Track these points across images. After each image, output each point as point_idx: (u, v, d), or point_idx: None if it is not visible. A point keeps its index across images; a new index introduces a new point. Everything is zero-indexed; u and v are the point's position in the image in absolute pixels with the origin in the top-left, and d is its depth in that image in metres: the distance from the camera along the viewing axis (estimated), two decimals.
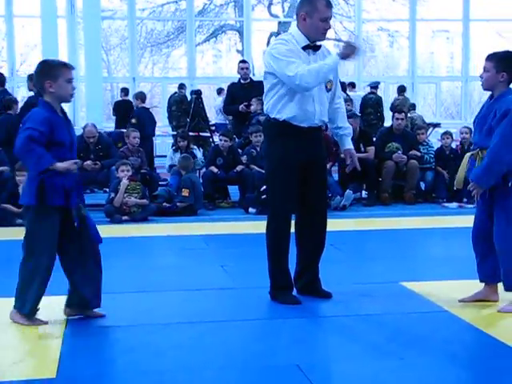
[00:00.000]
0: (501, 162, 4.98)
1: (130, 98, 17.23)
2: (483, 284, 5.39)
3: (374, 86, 17.41)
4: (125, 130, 15.56)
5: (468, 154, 5.32)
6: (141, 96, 14.59)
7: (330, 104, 5.63)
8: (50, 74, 4.75)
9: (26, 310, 4.83)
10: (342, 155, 11.56)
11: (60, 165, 4.72)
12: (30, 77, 11.81)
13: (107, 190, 10.97)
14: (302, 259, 5.66)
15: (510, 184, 5.06)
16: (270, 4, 23.99)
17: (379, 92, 18.01)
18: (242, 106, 12.21)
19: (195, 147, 12.14)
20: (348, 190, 11.17)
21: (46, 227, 4.76)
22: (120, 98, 17.33)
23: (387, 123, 16.71)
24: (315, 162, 5.56)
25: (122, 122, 15.72)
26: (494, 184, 5.08)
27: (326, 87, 5.47)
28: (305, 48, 5.40)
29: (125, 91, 17.25)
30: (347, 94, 16.89)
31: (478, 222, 5.34)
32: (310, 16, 5.34)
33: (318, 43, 5.46)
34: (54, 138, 4.71)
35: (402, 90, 17.96)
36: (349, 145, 5.80)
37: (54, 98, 4.79)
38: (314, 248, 5.63)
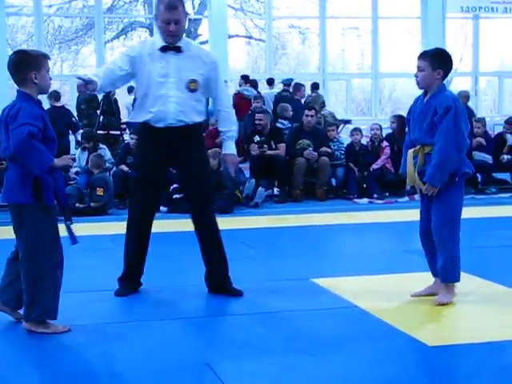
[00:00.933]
0: (450, 159, 5.06)
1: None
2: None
3: (288, 83, 17.44)
4: None
5: (410, 151, 5.30)
6: (54, 95, 14.27)
7: (214, 106, 5.77)
8: (34, 64, 4.57)
9: (46, 317, 4.63)
10: (253, 152, 11.65)
11: (58, 161, 4.60)
12: None
13: None
14: (205, 261, 5.68)
15: (456, 179, 5.14)
16: None
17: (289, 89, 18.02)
18: None
19: (104, 146, 11.91)
20: (260, 188, 11.17)
21: (49, 225, 4.61)
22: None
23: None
24: (183, 162, 5.63)
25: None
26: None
27: (189, 88, 5.50)
28: (163, 49, 5.50)
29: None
30: (258, 92, 16.90)
31: (424, 219, 5.38)
32: (156, 19, 5.60)
33: (179, 44, 5.52)
34: (47, 133, 4.55)
35: (315, 87, 18.03)
36: (226, 150, 5.82)
37: (35, 90, 4.60)
38: (211, 249, 5.65)
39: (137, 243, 5.69)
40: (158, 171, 5.67)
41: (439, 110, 5.08)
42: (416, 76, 5.23)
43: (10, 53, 4.90)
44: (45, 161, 4.49)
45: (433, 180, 5.11)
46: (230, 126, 5.76)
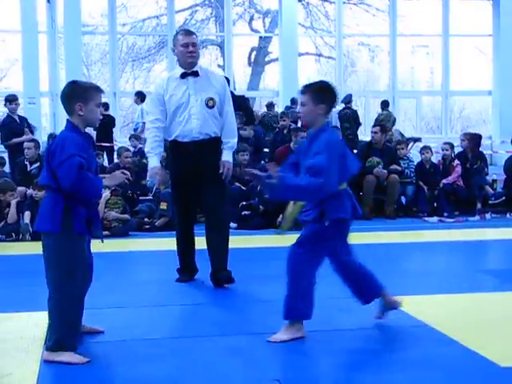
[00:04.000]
0: (305, 189, 4.68)
1: (111, 112, 17.31)
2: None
3: (347, 101, 17.43)
4: (106, 144, 15.65)
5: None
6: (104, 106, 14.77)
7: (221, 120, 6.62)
8: (82, 96, 4.54)
9: (72, 348, 4.49)
10: None
11: (110, 181, 4.76)
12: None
13: None
14: (212, 260, 6.59)
15: (326, 223, 4.78)
16: (251, 19, 24.04)
17: (360, 106, 18.02)
18: None
19: None
20: None
21: (77, 255, 4.50)
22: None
23: (364, 138, 16.78)
24: (204, 166, 6.52)
25: (102, 137, 15.76)
26: (311, 219, 4.85)
27: (208, 105, 6.51)
28: (183, 76, 6.55)
29: (105, 106, 17.21)
30: (293, 108, 16.88)
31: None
32: (175, 48, 6.62)
33: (196, 69, 6.54)
34: (88, 163, 4.48)
35: (385, 104, 18.01)
36: (224, 157, 6.64)
37: (82, 121, 4.56)
38: (216, 247, 6.56)
39: (183, 242, 6.82)
40: (189, 179, 6.57)
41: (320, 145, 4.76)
42: (298, 111, 5.02)
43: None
44: (98, 187, 4.50)
45: (279, 188, 4.68)
46: (232, 138, 6.69)
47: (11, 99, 12.83)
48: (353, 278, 5.13)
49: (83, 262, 4.57)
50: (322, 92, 4.91)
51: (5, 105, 13.04)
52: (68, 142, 4.41)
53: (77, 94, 4.56)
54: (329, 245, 4.91)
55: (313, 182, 4.64)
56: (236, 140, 6.82)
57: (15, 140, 12.43)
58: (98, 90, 4.67)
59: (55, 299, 4.47)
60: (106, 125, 16.01)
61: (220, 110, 6.61)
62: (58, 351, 4.41)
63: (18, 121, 12.76)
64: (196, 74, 6.53)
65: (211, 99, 6.53)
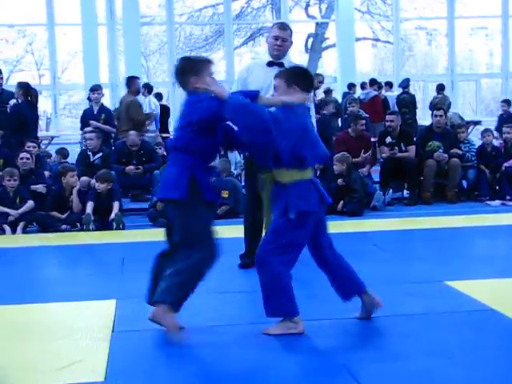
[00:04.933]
0: (256, 119, 4.55)
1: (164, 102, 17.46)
2: None
3: (405, 85, 17.32)
4: (164, 135, 15.75)
5: None
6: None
7: None
8: (195, 69, 4.76)
9: (176, 308, 4.64)
10: (383, 155, 11.66)
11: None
12: (19, 85, 12.08)
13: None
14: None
15: (291, 216, 4.64)
16: (307, 5, 24.00)
17: (418, 91, 17.89)
18: None
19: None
20: (378, 191, 11.16)
21: (204, 221, 4.68)
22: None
23: (423, 122, 16.66)
24: None
25: (160, 127, 15.90)
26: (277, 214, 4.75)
27: None
28: (269, 64, 6.83)
29: (159, 96, 17.34)
30: (351, 94, 16.82)
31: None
32: (268, 37, 6.98)
33: (282, 61, 6.79)
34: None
35: (440, 88, 17.86)
36: None
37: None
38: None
39: (252, 228, 6.90)
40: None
41: None
42: (272, 95, 5.00)
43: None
44: (261, 115, 4.53)
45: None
46: None
47: (93, 89, 13.12)
48: (335, 274, 4.95)
49: (209, 228, 4.71)
50: (294, 75, 4.93)
51: (88, 96, 13.39)
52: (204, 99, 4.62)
53: (189, 68, 4.78)
54: (297, 236, 4.71)
55: (266, 116, 4.55)
56: None
57: (86, 129, 12.65)
58: (209, 61, 4.91)
59: (178, 262, 4.63)
60: (162, 115, 16.14)
61: None
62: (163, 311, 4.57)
63: (94, 112, 12.99)
64: (281, 65, 6.64)
65: None
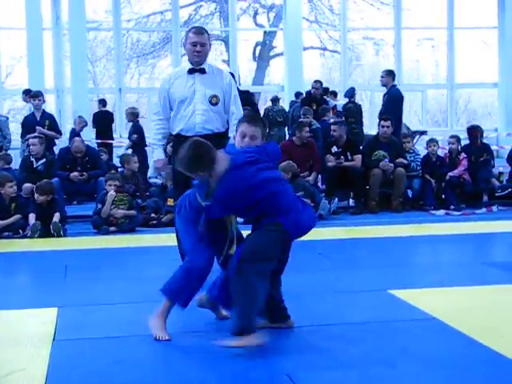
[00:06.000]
0: None
1: (109, 108, 17.35)
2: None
3: (350, 95, 17.36)
4: (110, 141, 15.65)
5: None
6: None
7: (229, 117, 6.79)
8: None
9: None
10: (329, 163, 11.69)
11: None
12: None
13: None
14: None
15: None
16: (256, 14, 24.00)
17: (365, 100, 17.98)
18: None
19: None
20: (323, 200, 11.14)
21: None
22: (97, 110, 17.34)
23: (370, 131, 16.75)
24: None
25: (101, 134, 15.81)
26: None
27: (211, 102, 6.68)
28: (190, 71, 6.74)
29: (102, 102, 17.26)
30: (327, 102, 16.84)
31: None
32: (185, 44, 6.76)
33: (203, 66, 6.74)
34: None
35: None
36: None
37: None
38: None
39: None
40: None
41: None
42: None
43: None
44: None
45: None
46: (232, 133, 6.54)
47: (34, 95, 12.99)
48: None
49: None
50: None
51: (28, 101, 13.25)
52: None
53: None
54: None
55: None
56: None
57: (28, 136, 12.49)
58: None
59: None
60: (105, 121, 16.04)
61: (225, 107, 6.80)
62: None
63: (37, 118, 12.85)
64: (203, 71, 6.73)
65: (215, 96, 6.72)
